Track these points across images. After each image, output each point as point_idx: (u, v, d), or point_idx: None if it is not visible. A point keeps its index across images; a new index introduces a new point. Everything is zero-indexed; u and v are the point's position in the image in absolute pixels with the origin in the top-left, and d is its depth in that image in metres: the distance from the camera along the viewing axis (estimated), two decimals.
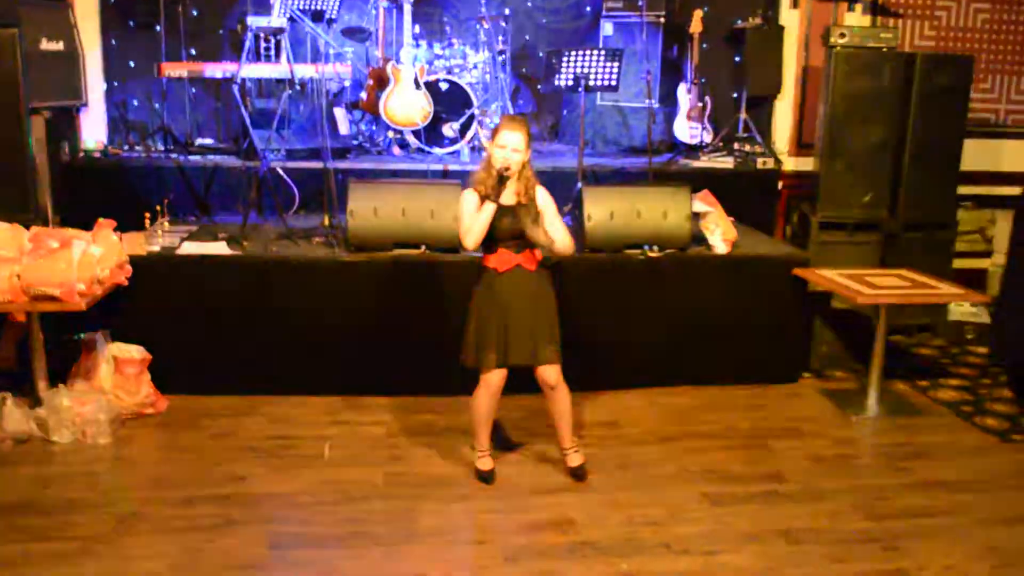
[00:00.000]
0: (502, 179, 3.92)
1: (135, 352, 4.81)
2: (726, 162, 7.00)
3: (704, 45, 7.35)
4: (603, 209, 5.47)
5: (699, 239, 5.69)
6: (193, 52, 6.73)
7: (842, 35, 6.36)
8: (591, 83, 5.97)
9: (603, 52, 5.97)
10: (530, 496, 4.18)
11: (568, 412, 4.27)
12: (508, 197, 4.02)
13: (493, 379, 4.13)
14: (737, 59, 7.49)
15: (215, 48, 6.95)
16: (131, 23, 6.75)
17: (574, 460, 4.34)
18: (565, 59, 6.02)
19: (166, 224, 5.54)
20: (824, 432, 5.04)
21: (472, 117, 6.92)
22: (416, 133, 6.79)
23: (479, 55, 7.22)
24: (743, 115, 7.36)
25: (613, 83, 6.04)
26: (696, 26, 7.21)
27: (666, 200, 5.56)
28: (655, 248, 5.53)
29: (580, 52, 6.03)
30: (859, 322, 5.99)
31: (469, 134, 6.92)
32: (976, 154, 7.13)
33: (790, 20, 7.31)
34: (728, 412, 5.24)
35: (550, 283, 4.22)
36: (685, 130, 7.35)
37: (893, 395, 5.51)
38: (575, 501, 4.14)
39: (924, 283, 5.45)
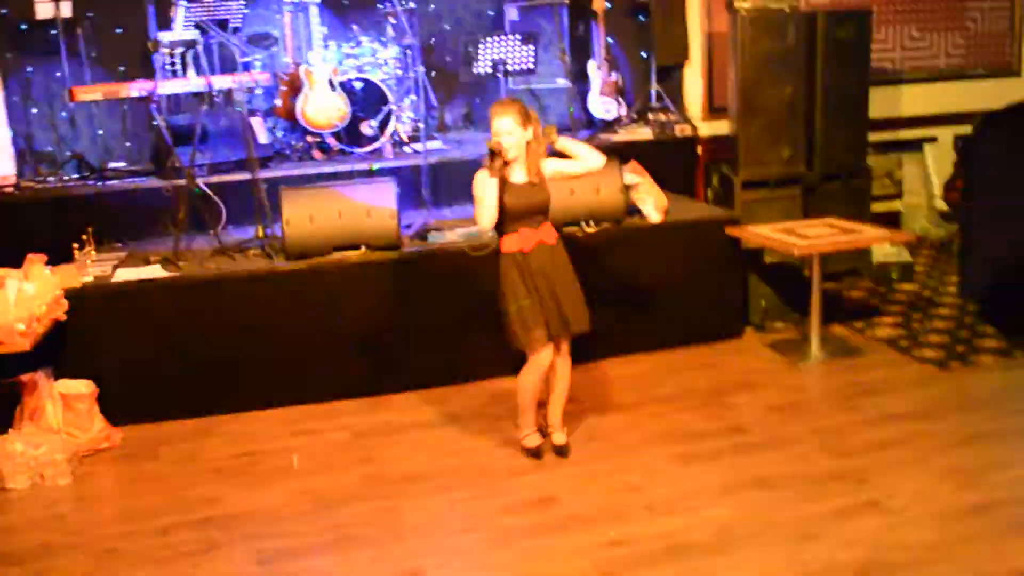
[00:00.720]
0: (493, 156, 4.00)
1: (83, 387, 4.67)
2: (645, 133, 7.12)
3: (611, 21, 7.45)
4: None
5: (632, 210, 5.79)
6: (101, 74, 6.52)
7: None
8: (509, 68, 6.00)
9: (519, 36, 6.01)
10: (507, 479, 4.22)
11: (568, 386, 4.39)
12: (519, 176, 4.11)
13: (543, 359, 4.20)
14: (644, 31, 7.60)
15: (118, 67, 6.74)
16: (30, 53, 6.51)
17: (560, 438, 4.43)
18: (482, 46, 6.04)
19: (93, 253, 5.38)
20: (775, 382, 5.20)
21: (390, 113, 6.88)
22: (336, 135, 6.72)
23: (388, 50, 7.18)
24: (655, 86, 7.50)
25: (531, 66, 6.09)
26: (599, 3, 7.31)
27: (598, 175, 5.62)
28: (592, 223, 5.62)
29: (496, 38, 6.06)
30: (791, 273, 6.18)
31: (388, 130, 6.89)
32: (878, 102, 7.39)
33: None
34: (682, 374, 5.36)
35: (565, 250, 4.32)
36: (599, 106, 7.44)
37: (833, 339, 5.71)
38: (552, 478, 4.19)
39: (851, 229, 5.65)
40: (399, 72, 7.20)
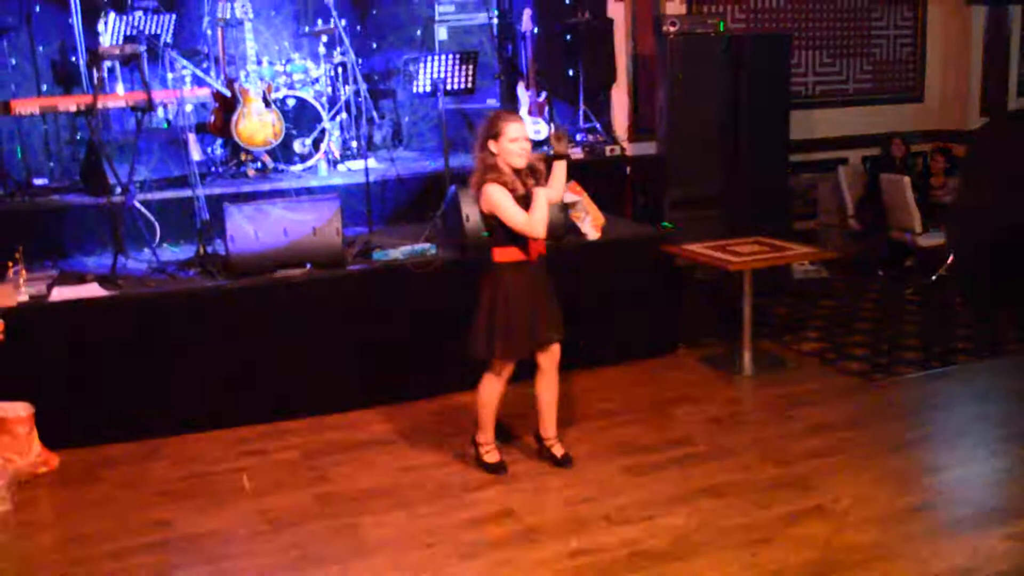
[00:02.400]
0: (542, 168, 4.09)
1: (21, 410, 4.52)
2: (576, 153, 7.27)
3: (538, 42, 7.60)
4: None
5: (571, 228, 5.92)
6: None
7: (673, 24, 6.77)
8: (448, 87, 6.07)
9: (458, 56, 6.09)
10: (464, 493, 4.26)
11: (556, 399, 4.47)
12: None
13: (508, 371, 4.30)
14: (571, 53, 7.78)
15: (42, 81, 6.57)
16: None
17: (559, 450, 4.50)
18: (422, 65, 6.10)
19: (24, 273, 5.21)
20: (712, 395, 5.38)
21: (323, 131, 6.87)
22: (270, 152, 6.67)
23: (320, 68, 7.17)
24: (582, 107, 7.68)
25: (469, 85, 6.17)
26: (527, 24, 7.45)
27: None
28: None
29: (435, 57, 6.13)
30: (719, 290, 6.41)
31: (322, 148, 6.88)
32: (793, 125, 7.73)
33: (617, 12, 7.66)
34: (623, 389, 5.50)
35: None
36: (528, 126, 7.56)
37: (763, 353, 5.93)
38: (508, 492, 4.26)
39: (779, 246, 5.90)
40: (330, 90, 7.20)
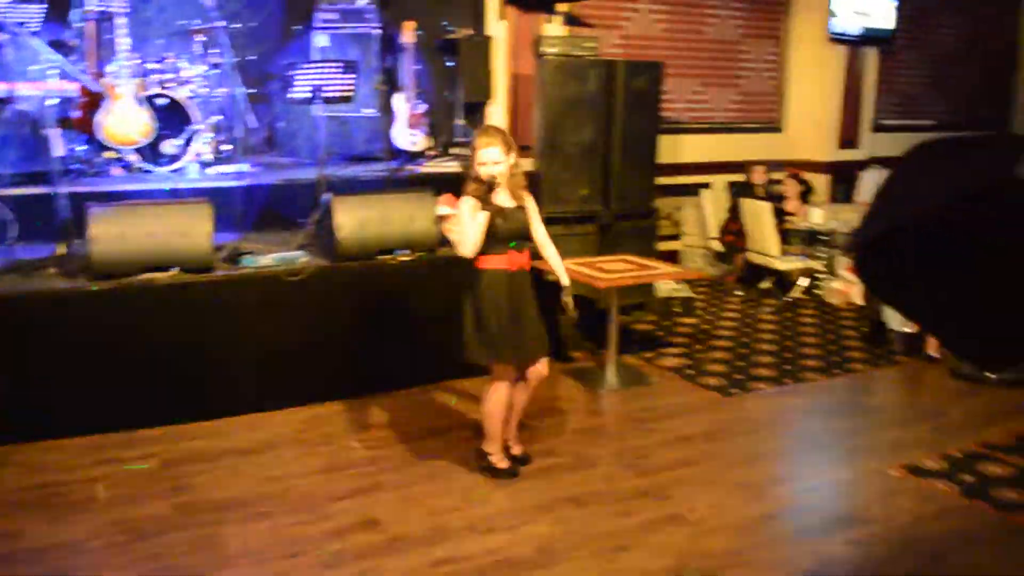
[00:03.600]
0: (491, 188, 4.09)
1: None
2: (452, 166, 7.34)
3: (419, 55, 7.64)
4: (354, 218, 5.59)
5: (444, 241, 5.96)
6: None
7: (551, 45, 6.92)
8: (328, 95, 6.02)
9: (340, 64, 6.06)
10: (328, 503, 4.24)
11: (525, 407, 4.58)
12: (505, 200, 4.20)
13: (509, 378, 4.31)
14: (451, 68, 7.85)
15: None
16: None
17: (518, 449, 4.62)
18: (301, 71, 6.04)
19: None
20: (578, 407, 5.52)
21: (195, 133, 6.71)
22: (138, 151, 6.46)
23: (194, 68, 7.00)
24: (460, 121, 7.75)
25: (349, 94, 6.15)
26: (409, 37, 7.49)
27: (413, 205, 5.80)
28: (406, 252, 5.75)
29: (316, 64, 6.08)
30: (586, 306, 6.56)
31: (191, 150, 6.71)
32: (662, 149, 8.02)
33: (497, 31, 7.80)
34: None
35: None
36: (405, 137, 7.58)
37: (626, 368, 6.12)
38: (373, 502, 4.26)
39: (646, 265, 6.11)
40: (204, 91, 7.04)
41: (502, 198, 4.23)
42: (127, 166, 6.49)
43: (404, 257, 5.74)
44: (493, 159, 4.15)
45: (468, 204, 4.18)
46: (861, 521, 4.09)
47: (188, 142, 6.69)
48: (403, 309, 5.69)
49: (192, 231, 5.16)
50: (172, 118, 6.68)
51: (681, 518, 4.12)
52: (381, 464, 4.63)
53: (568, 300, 4.51)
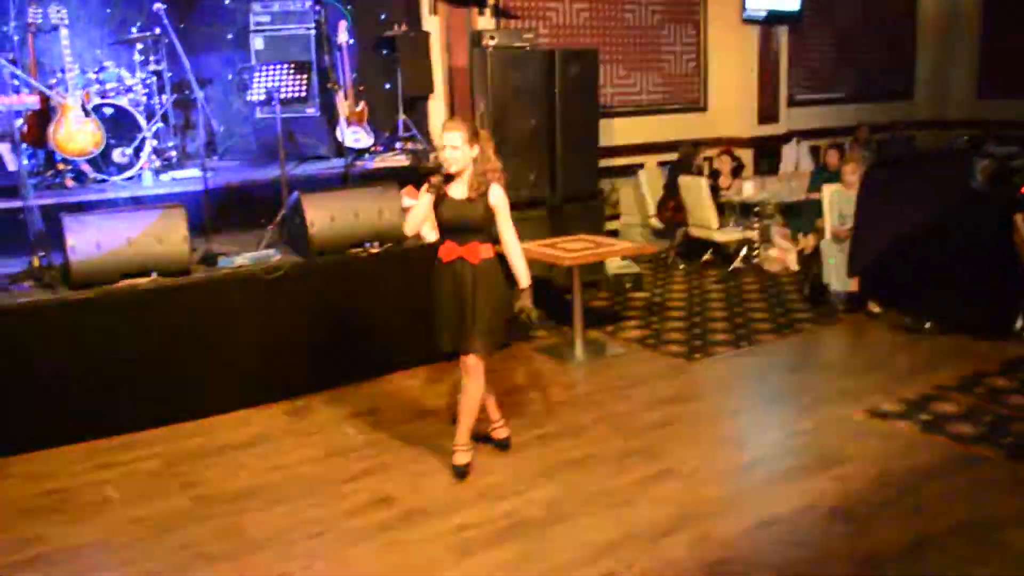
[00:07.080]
0: (447, 177, 4.17)
1: None
2: (402, 160, 7.50)
3: (355, 53, 7.76)
4: (324, 214, 5.72)
5: None
6: None
7: (492, 38, 7.14)
8: (283, 96, 6.12)
9: (292, 65, 6.16)
10: (339, 485, 4.39)
11: (471, 408, 4.42)
12: (459, 192, 4.20)
13: (462, 363, 4.36)
14: (389, 64, 7.99)
15: None
16: None
17: (501, 433, 4.73)
18: (256, 75, 6.12)
19: None
20: (555, 381, 5.77)
21: (144, 140, 6.72)
22: (89, 161, 6.45)
23: (136, 76, 7.00)
24: (402, 116, 7.91)
25: (303, 95, 6.26)
26: (343, 36, 7.60)
27: (379, 199, 5.95)
28: (376, 245, 5.90)
29: (270, 67, 6.16)
30: (545, 286, 6.82)
31: (143, 157, 6.72)
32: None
33: (432, 25, 7.97)
34: None
35: (498, 277, 4.36)
36: (349, 135, 7.71)
37: (592, 342, 6.40)
38: (382, 480, 4.43)
39: (602, 243, 6.39)
40: (145, 98, 7.04)
41: (457, 189, 4.23)
42: (79, 176, 6.47)
43: (374, 249, 5.89)
44: (452, 143, 4.14)
45: (424, 187, 4.25)
46: (838, 461, 4.44)
47: (138, 150, 6.70)
48: (376, 299, 5.85)
49: (168, 236, 5.22)
50: (119, 127, 6.68)
51: (674, 471, 4.40)
52: (380, 447, 4.80)
53: (526, 303, 4.40)
